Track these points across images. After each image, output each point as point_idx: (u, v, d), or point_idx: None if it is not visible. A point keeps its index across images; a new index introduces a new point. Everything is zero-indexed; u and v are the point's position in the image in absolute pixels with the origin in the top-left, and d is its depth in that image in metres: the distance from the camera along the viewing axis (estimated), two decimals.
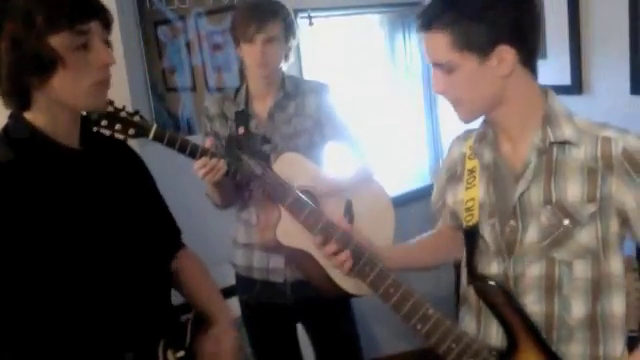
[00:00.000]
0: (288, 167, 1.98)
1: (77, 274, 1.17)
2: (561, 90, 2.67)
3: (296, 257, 1.97)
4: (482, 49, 1.19)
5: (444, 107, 3.35)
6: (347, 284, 1.80)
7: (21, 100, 1.18)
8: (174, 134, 1.80)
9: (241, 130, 2.03)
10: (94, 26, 1.15)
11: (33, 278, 1.13)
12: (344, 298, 2.18)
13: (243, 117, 2.05)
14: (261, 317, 2.21)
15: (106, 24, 1.19)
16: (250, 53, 1.96)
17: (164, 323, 1.32)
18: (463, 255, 1.40)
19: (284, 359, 2.28)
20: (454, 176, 1.44)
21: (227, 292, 2.53)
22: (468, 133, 1.44)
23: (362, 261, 1.32)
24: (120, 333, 1.22)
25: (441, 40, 1.20)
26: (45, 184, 1.18)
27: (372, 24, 3.31)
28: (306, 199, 1.35)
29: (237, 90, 2.13)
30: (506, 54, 1.19)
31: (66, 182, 1.21)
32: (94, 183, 1.26)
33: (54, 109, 1.19)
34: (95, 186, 1.26)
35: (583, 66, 2.50)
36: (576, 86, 2.51)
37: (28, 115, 1.19)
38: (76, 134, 1.26)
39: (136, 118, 1.79)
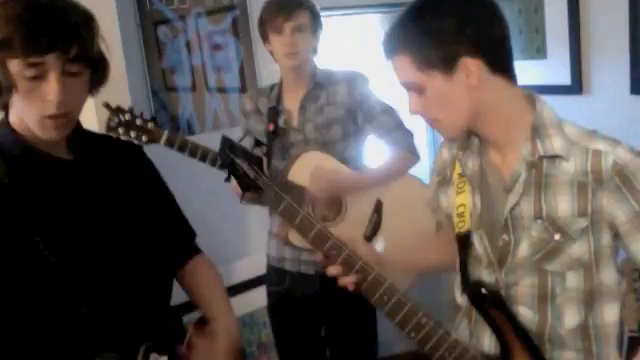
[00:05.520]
0: (309, 166, 2.00)
1: (59, 282, 1.15)
2: (561, 90, 2.70)
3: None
4: (444, 65, 1.18)
5: None
6: None
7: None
8: (184, 139, 1.88)
9: (270, 127, 2.08)
10: (51, 59, 1.09)
11: (16, 287, 1.12)
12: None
13: (273, 113, 2.09)
14: (289, 310, 2.20)
15: (73, 55, 1.11)
16: (279, 44, 2.00)
17: (153, 328, 1.28)
18: (456, 262, 1.38)
19: (308, 356, 2.26)
20: (444, 179, 1.43)
21: (236, 289, 2.55)
22: None
23: (355, 269, 1.30)
24: (95, 336, 1.19)
25: (404, 62, 1.21)
26: (18, 192, 1.16)
27: (372, 24, 3.31)
28: (296, 206, 1.33)
29: (272, 86, 2.17)
30: (471, 66, 1.17)
31: (47, 189, 1.20)
32: (79, 189, 1.24)
33: None
34: (82, 192, 1.24)
35: (583, 66, 2.49)
36: (576, 86, 2.50)
37: (14, 119, 1.19)
38: (62, 141, 1.24)
39: (150, 125, 1.82)
